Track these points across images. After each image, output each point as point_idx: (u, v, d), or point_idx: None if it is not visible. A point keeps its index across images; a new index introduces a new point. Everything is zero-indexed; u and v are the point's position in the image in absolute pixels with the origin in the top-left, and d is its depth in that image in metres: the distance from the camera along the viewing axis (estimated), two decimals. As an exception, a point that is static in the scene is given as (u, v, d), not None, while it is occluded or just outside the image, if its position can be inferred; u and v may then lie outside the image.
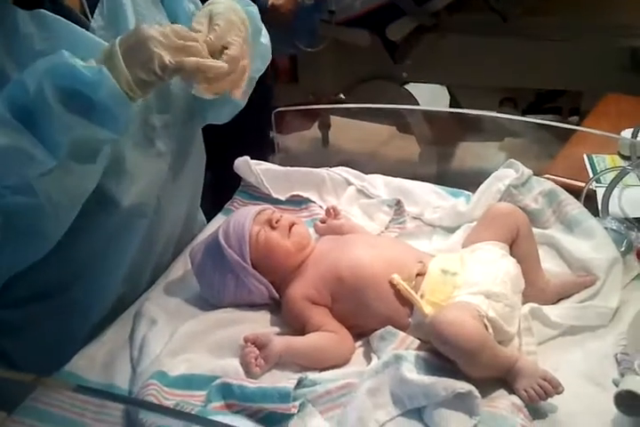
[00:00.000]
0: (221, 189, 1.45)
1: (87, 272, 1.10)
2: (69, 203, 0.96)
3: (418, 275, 1.08)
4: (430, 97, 2.89)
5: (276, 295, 1.13)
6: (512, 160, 1.32)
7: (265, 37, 1.19)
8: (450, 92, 2.83)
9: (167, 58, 0.89)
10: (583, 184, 1.40)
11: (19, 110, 0.85)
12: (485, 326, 0.98)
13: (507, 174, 1.29)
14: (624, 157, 1.64)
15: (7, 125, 0.84)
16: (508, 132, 2.43)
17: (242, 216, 1.15)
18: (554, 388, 0.93)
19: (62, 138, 0.87)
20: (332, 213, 1.27)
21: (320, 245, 1.18)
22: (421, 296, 1.05)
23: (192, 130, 1.23)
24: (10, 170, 0.86)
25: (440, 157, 2.46)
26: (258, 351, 1.02)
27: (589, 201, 1.35)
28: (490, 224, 1.14)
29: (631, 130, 1.68)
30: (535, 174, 1.32)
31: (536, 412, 0.93)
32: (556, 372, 0.96)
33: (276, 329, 1.10)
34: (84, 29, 0.97)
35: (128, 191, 1.06)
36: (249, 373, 1.00)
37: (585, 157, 1.75)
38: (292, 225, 1.15)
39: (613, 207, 1.40)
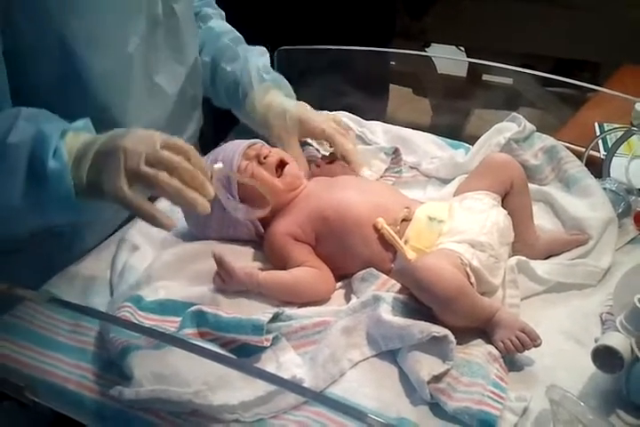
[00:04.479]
0: (223, 129, 1.43)
1: None
2: None
3: (404, 220, 1.06)
4: (449, 62, 2.85)
5: (263, 232, 1.11)
6: (515, 114, 1.29)
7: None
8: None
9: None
10: (590, 151, 1.36)
11: None
12: (468, 275, 0.97)
13: (508, 128, 1.26)
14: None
15: None
16: (524, 101, 2.40)
17: (230, 150, 1.12)
18: (532, 340, 0.91)
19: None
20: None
21: (310, 184, 1.16)
22: (405, 242, 1.04)
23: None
24: None
25: (452, 121, 2.42)
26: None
27: (597, 169, 1.31)
28: (483, 174, 1.11)
29: (645, 101, 1.64)
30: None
31: (512, 364, 0.92)
32: (537, 326, 0.94)
33: (259, 264, 1.09)
34: None
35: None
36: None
37: (596, 124, 1.72)
38: (280, 161, 1.12)
39: (620, 176, 1.37)
